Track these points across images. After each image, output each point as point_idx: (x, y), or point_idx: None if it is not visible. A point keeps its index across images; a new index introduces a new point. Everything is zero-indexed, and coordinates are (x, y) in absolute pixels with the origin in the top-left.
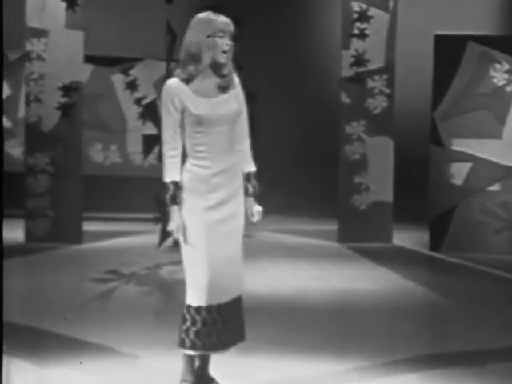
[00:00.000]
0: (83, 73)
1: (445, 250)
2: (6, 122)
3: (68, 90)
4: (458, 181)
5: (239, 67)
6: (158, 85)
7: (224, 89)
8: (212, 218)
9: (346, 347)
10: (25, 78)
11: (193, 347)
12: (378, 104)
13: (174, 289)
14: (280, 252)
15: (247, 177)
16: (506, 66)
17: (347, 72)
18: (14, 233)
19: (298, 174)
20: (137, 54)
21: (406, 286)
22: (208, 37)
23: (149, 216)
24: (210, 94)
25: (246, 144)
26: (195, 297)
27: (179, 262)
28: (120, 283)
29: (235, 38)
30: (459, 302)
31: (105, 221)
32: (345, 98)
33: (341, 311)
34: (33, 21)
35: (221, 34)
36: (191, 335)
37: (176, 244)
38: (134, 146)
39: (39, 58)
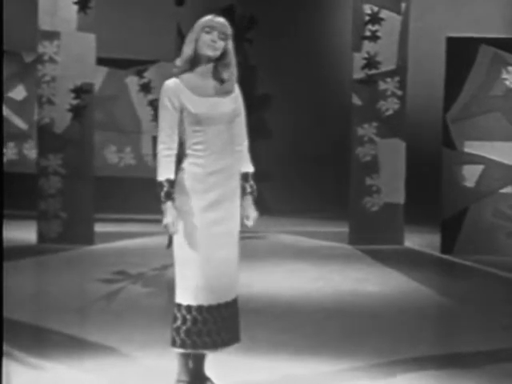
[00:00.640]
0: (97, 75)
1: (456, 253)
2: (22, 124)
3: (80, 91)
4: (469, 183)
5: (252, 68)
6: None
7: (222, 93)
8: (208, 218)
9: (344, 348)
10: (37, 80)
11: (183, 346)
12: (389, 106)
13: None
14: (289, 253)
15: (245, 177)
16: None
17: (359, 74)
18: (27, 234)
19: (309, 176)
20: (150, 56)
21: (414, 288)
22: (196, 32)
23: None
24: (208, 93)
25: (244, 145)
26: (186, 295)
27: None
28: (127, 284)
29: (248, 39)
30: (469, 305)
31: (118, 222)
32: (356, 100)
33: (341, 312)
34: (45, 23)
35: (207, 30)
36: (182, 334)
37: None
38: (148, 148)
39: (51, 60)
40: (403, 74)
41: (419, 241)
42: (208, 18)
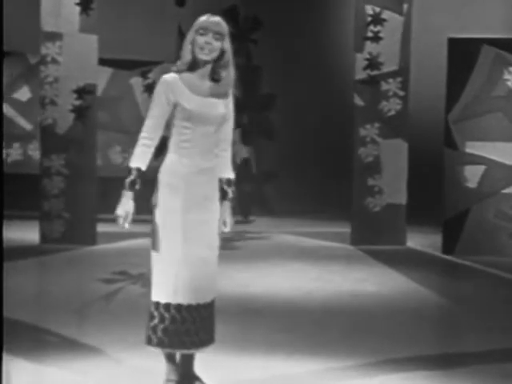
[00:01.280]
0: (102, 76)
1: (458, 253)
2: (27, 125)
3: (82, 92)
4: (471, 183)
5: (257, 68)
6: None
7: (217, 95)
8: (190, 217)
9: (344, 348)
10: (40, 81)
11: (160, 344)
12: (391, 106)
13: None
14: (290, 253)
15: (228, 182)
16: None
17: (361, 75)
18: (30, 234)
19: (312, 176)
20: (154, 57)
21: (414, 288)
22: (191, 35)
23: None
24: (204, 93)
25: (228, 151)
26: (164, 293)
27: None
28: (126, 284)
29: (252, 40)
30: (470, 305)
31: None
32: (359, 101)
33: (341, 313)
34: (48, 25)
35: (201, 32)
36: (159, 332)
37: None
38: None
39: (54, 61)
40: (405, 74)
41: (421, 241)
42: (202, 18)
